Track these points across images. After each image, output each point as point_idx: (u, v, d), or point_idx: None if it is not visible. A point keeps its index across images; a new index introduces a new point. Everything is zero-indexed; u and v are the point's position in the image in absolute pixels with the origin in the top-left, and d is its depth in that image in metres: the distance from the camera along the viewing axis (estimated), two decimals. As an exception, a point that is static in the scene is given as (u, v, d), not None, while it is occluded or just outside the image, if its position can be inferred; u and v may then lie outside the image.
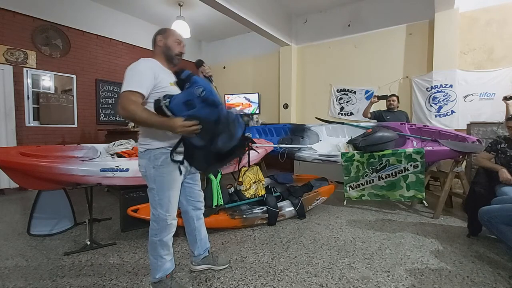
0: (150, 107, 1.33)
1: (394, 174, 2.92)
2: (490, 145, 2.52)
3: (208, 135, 1.32)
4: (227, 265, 1.88)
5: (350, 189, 3.13)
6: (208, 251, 1.84)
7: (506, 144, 2.40)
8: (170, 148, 1.40)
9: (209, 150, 1.35)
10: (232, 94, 6.50)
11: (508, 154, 2.35)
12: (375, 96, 3.78)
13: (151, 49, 1.56)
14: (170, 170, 1.41)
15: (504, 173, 2.22)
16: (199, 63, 1.66)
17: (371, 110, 3.86)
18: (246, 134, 1.45)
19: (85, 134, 4.98)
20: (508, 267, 1.88)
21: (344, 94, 5.27)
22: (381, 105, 4.07)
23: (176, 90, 1.41)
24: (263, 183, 2.97)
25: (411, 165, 2.83)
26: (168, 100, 1.28)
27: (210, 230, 2.47)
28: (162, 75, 1.40)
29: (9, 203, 3.55)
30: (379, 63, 4.87)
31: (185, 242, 2.28)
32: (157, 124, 1.29)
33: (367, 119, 3.99)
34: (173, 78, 1.45)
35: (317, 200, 3.02)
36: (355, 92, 5.15)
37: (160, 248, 1.48)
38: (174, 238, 2.32)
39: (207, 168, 1.61)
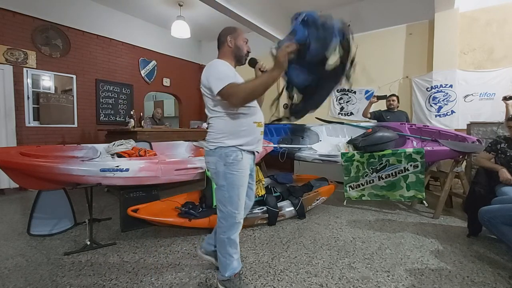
0: (225, 108, 1.42)
1: (394, 174, 2.92)
2: (490, 145, 2.51)
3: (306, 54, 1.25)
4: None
5: (350, 189, 3.13)
6: None
7: (506, 144, 2.40)
8: (241, 147, 1.45)
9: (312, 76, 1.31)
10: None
11: (508, 154, 2.35)
12: (374, 96, 3.78)
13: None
14: (240, 167, 1.45)
15: (504, 173, 2.22)
16: (253, 62, 1.63)
17: (371, 110, 3.86)
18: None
19: (85, 134, 4.98)
20: (508, 267, 1.88)
21: (344, 94, 5.27)
22: (381, 105, 4.07)
23: None
24: (263, 183, 2.97)
25: (411, 165, 2.83)
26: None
27: (211, 230, 2.47)
28: (237, 75, 1.48)
29: (9, 203, 3.55)
30: (379, 63, 4.86)
31: (185, 242, 2.28)
32: (266, 78, 1.31)
33: (367, 119, 3.99)
34: (242, 80, 1.49)
35: (317, 200, 3.02)
36: (355, 92, 5.15)
37: (228, 246, 1.50)
38: (174, 238, 2.34)
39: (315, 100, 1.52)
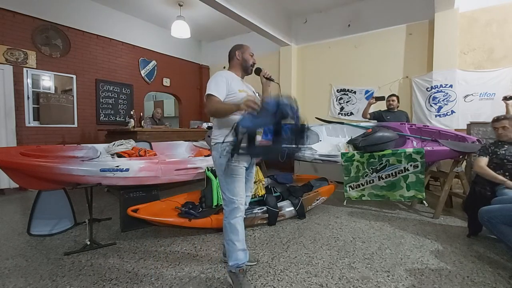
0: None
1: (394, 174, 2.92)
2: (482, 149, 2.49)
3: (262, 118, 1.45)
4: (255, 263, 1.92)
5: (350, 189, 3.13)
6: None
7: (493, 146, 2.43)
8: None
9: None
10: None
11: (498, 153, 2.36)
12: (373, 97, 3.79)
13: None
14: (233, 159, 1.63)
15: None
16: (258, 71, 1.90)
17: (371, 110, 3.86)
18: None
19: (85, 134, 4.98)
20: (508, 267, 1.88)
21: (344, 94, 5.27)
22: (382, 105, 4.07)
23: (243, 95, 1.67)
24: (263, 183, 2.97)
25: (411, 165, 2.83)
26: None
27: (211, 230, 2.47)
28: (233, 83, 1.70)
29: (9, 203, 3.55)
30: (379, 63, 4.86)
31: (185, 242, 2.28)
32: (229, 107, 1.54)
33: (367, 120, 3.99)
34: (242, 86, 1.74)
35: (317, 200, 3.02)
36: (355, 92, 5.15)
37: (229, 232, 1.64)
38: (174, 239, 2.34)
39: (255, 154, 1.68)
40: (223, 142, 1.65)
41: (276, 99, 1.45)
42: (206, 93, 1.61)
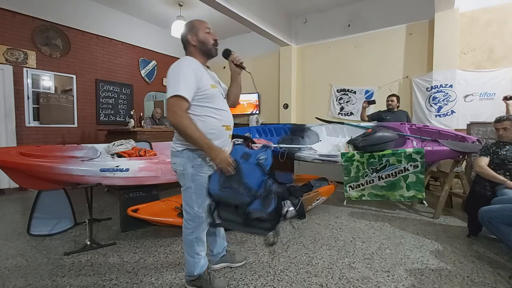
0: (192, 110, 1.36)
1: (394, 174, 2.91)
2: (483, 149, 2.50)
3: (238, 186, 1.28)
4: (244, 262, 1.90)
5: (350, 189, 3.13)
6: (226, 249, 1.87)
7: (495, 147, 2.44)
8: None
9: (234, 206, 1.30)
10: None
11: (500, 154, 2.37)
12: (365, 101, 3.87)
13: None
14: (209, 169, 1.42)
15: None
16: (227, 53, 1.57)
17: (371, 112, 3.89)
18: (246, 134, 1.43)
19: (85, 134, 4.98)
20: (508, 267, 1.88)
21: (344, 94, 5.27)
22: (382, 106, 4.07)
23: (216, 92, 1.44)
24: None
25: (411, 165, 2.83)
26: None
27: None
28: (204, 76, 1.40)
29: (9, 203, 3.55)
30: (379, 63, 4.86)
31: (185, 242, 2.28)
32: (201, 144, 1.29)
33: (366, 121, 4.00)
34: (212, 80, 1.46)
35: (317, 200, 3.02)
36: (355, 92, 5.15)
37: (196, 245, 1.51)
38: (174, 239, 2.34)
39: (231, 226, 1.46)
40: (198, 148, 1.35)
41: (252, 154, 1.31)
42: (173, 93, 1.28)
